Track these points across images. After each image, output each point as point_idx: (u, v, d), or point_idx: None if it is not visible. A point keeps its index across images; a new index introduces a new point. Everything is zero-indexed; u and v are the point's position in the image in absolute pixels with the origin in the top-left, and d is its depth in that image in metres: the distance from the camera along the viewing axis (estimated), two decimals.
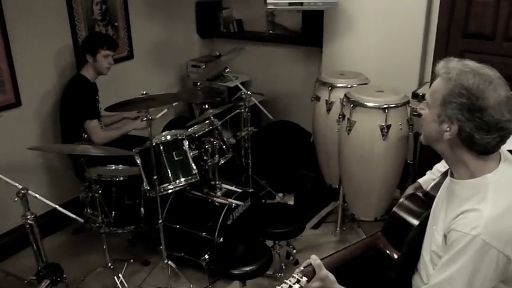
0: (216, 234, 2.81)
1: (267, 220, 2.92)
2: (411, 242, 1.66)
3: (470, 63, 1.45)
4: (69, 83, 3.21)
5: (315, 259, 1.47)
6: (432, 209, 1.66)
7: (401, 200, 1.79)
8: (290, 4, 3.07)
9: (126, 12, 3.83)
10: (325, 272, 1.46)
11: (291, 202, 3.77)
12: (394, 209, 1.75)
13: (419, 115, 1.57)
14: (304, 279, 1.42)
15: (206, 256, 2.85)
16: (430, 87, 2.90)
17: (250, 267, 2.42)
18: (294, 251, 3.16)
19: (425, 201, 1.77)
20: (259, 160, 3.60)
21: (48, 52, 3.32)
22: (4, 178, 1.98)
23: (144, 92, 2.61)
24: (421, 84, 3.40)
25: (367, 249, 1.75)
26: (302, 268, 1.48)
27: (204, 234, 2.86)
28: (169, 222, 2.94)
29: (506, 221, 1.35)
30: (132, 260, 3.09)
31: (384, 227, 1.77)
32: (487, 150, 1.43)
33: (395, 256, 1.67)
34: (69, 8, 3.38)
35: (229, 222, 2.90)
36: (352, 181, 3.03)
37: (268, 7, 3.09)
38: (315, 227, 3.53)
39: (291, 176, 3.91)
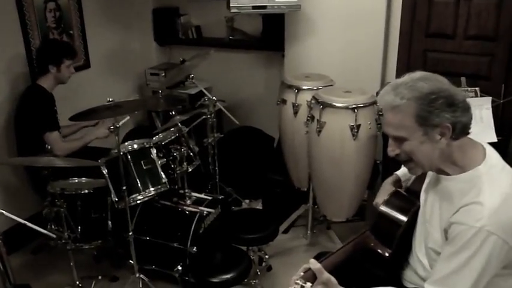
0: (189, 243, 2.73)
1: (239, 226, 2.87)
2: (401, 238, 1.66)
3: (400, 80, 1.48)
4: (25, 93, 3.05)
5: (314, 263, 1.43)
6: (421, 206, 1.67)
7: (386, 197, 1.79)
8: (254, 8, 3.05)
9: (81, 19, 3.70)
10: (326, 275, 1.42)
11: (259, 208, 3.74)
12: (381, 207, 1.75)
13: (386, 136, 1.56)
14: (309, 284, 1.37)
15: (179, 267, 2.76)
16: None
17: (231, 275, 2.37)
18: (267, 257, 3.12)
19: (409, 197, 1.79)
20: (224, 167, 3.55)
21: None
22: None
23: (110, 100, 2.50)
24: (383, 84, 3.46)
25: (359, 249, 1.74)
26: (302, 274, 1.43)
27: (175, 244, 2.77)
28: (138, 234, 2.82)
29: (506, 210, 1.38)
30: (100, 277, 2.96)
31: (372, 226, 1.77)
32: (468, 129, 1.47)
33: (387, 254, 1.67)
34: (20, 15, 3.22)
35: (201, 231, 2.82)
36: (322, 183, 3.03)
37: (232, 11, 3.05)
38: (285, 231, 3.50)
39: (257, 181, 3.88)
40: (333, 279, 1.44)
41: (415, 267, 1.66)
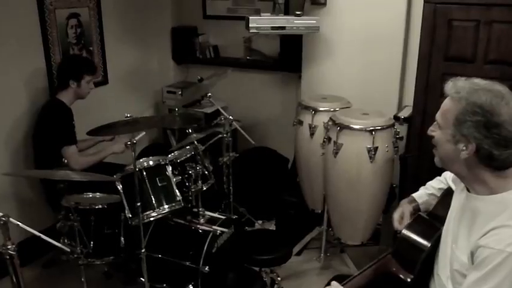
0: (201, 262, 2.70)
1: (252, 247, 2.84)
2: (423, 263, 1.62)
3: (479, 81, 1.47)
4: (44, 107, 3.09)
5: (337, 286, 1.40)
6: (446, 227, 1.63)
7: (408, 222, 1.77)
8: (273, 28, 3.06)
9: (102, 36, 3.76)
10: None
11: (272, 229, 3.70)
12: (403, 231, 1.73)
13: (432, 137, 1.56)
14: None
15: (191, 286, 2.71)
16: (413, 108, 2.98)
17: None
18: (279, 279, 3.07)
19: (431, 222, 1.76)
20: (237, 187, 3.53)
21: (20, 76, 3.19)
22: None
23: (128, 115, 2.51)
24: (400, 107, 3.44)
25: (380, 274, 1.70)
26: None
27: (188, 263, 2.73)
28: (150, 251, 2.79)
29: None
30: None
31: (393, 250, 1.74)
32: (505, 166, 1.42)
33: (409, 280, 1.63)
34: (43, 31, 3.28)
35: (213, 250, 2.79)
36: (338, 205, 3.00)
37: (251, 31, 3.06)
38: (298, 253, 3.45)
39: (271, 202, 3.85)
40: None
41: None
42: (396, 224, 1.90)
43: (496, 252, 1.33)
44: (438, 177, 2.01)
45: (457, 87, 1.46)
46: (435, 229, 1.69)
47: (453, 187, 1.76)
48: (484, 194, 1.47)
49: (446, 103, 1.50)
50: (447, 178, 1.91)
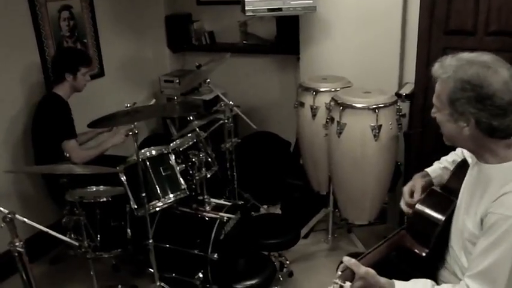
0: (210, 250, 2.68)
1: (260, 232, 2.82)
2: (438, 236, 1.61)
3: (465, 55, 1.46)
4: (42, 102, 3.04)
5: (348, 260, 1.40)
6: (459, 200, 1.62)
7: (422, 196, 1.76)
8: (269, 10, 3.02)
9: (95, 28, 3.70)
10: (363, 268, 1.40)
11: (278, 213, 3.69)
12: (417, 206, 1.72)
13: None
14: (348, 283, 1.33)
15: (200, 275, 2.70)
16: (415, 84, 2.95)
17: (256, 281, 2.32)
18: (288, 262, 3.06)
19: (445, 195, 1.75)
20: (241, 172, 3.51)
21: (15, 71, 3.14)
22: None
23: (128, 105, 2.48)
24: (401, 85, 3.41)
25: (395, 249, 1.70)
26: (339, 273, 1.40)
27: (196, 251, 2.71)
28: (157, 241, 2.77)
29: None
30: (120, 286, 2.93)
31: (407, 225, 1.73)
32: (509, 133, 1.42)
33: (424, 254, 1.63)
34: (35, 25, 3.22)
35: (221, 237, 2.77)
36: (344, 185, 2.98)
37: (247, 14, 3.02)
38: (305, 236, 3.44)
39: (275, 186, 3.83)
40: (371, 271, 1.42)
41: (453, 267, 1.61)
42: (406, 198, 1.86)
43: (505, 217, 1.33)
44: (453, 152, 2.00)
45: (444, 67, 1.46)
46: (449, 202, 1.68)
47: (469, 160, 1.74)
48: (494, 163, 1.47)
49: (437, 85, 1.50)
50: (464, 151, 1.89)
